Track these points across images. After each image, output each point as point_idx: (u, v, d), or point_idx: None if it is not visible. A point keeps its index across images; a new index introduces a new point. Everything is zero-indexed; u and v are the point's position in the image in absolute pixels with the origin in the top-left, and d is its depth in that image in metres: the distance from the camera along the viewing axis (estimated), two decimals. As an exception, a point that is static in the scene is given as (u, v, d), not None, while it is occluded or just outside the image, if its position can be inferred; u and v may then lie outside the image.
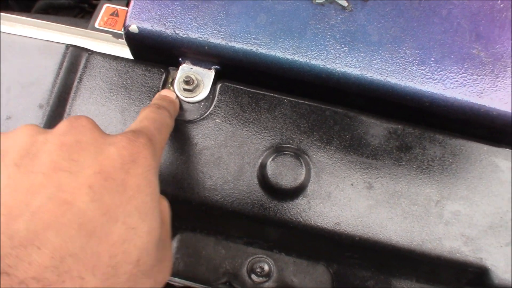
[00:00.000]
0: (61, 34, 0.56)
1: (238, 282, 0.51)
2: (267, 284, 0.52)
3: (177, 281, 0.52)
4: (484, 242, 0.47)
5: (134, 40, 0.48)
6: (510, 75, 0.46)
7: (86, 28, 0.60)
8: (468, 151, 0.48)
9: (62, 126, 0.32)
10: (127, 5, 0.62)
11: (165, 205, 0.37)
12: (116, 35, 0.58)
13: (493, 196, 0.48)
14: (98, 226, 0.27)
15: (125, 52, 0.56)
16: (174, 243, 0.52)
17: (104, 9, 0.60)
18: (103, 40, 0.57)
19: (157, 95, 0.46)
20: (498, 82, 0.46)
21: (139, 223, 0.29)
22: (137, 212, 0.29)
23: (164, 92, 0.47)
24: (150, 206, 0.31)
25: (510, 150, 0.48)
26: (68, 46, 0.49)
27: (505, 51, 0.47)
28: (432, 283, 0.51)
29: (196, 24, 0.47)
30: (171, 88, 0.49)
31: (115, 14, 0.60)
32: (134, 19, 0.47)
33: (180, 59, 0.49)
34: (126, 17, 0.48)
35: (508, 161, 0.48)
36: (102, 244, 0.27)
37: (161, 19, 0.47)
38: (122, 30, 0.48)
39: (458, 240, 0.47)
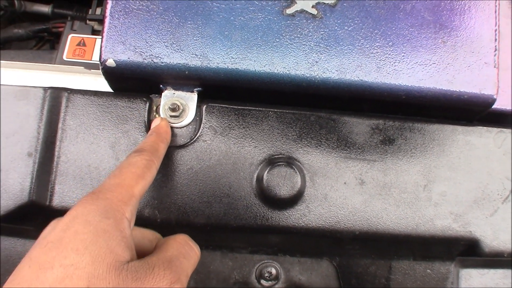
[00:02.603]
0: (32, 72, 0.55)
1: (249, 289, 0.54)
2: (276, 286, 0.54)
3: (190, 299, 0.53)
4: (471, 216, 0.51)
5: (112, 74, 0.48)
6: (475, 60, 0.49)
7: (52, 60, 0.59)
8: (446, 134, 0.51)
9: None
10: (93, 32, 0.61)
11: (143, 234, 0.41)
12: (88, 66, 0.57)
13: (473, 172, 0.51)
14: (32, 278, 0.31)
15: (100, 82, 0.56)
16: (181, 263, 0.53)
17: (70, 40, 0.59)
18: (75, 73, 0.57)
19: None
20: (465, 67, 0.49)
21: (77, 258, 0.32)
22: (74, 252, 0.32)
23: (154, 123, 0.48)
24: (91, 240, 0.33)
25: (482, 127, 0.52)
26: (46, 89, 0.48)
27: (468, 37, 0.50)
28: (428, 259, 0.55)
29: (173, 50, 0.47)
30: (157, 115, 0.49)
31: (81, 43, 0.59)
32: (110, 53, 0.47)
33: (161, 86, 0.49)
34: (101, 51, 0.47)
35: (482, 138, 0.52)
36: None
37: (137, 50, 0.47)
38: (98, 64, 0.48)
39: (448, 218, 0.50)
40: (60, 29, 0.66)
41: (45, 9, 0.70)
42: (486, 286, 0.55)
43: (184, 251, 0.39)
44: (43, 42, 0.70)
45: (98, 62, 0.49)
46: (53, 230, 0.35)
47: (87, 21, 0.61)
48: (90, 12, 0.61)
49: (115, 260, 0.33)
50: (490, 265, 0.55)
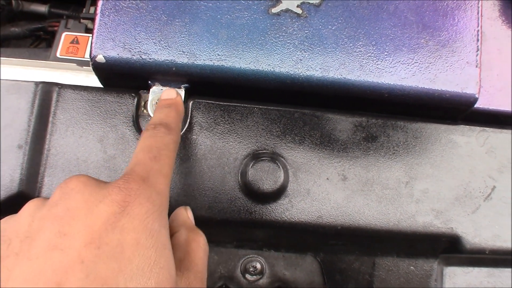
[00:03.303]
0: (27, 69, 0.56)
1: (234, 283, 0.54)
2: (261, 281, 0.55)
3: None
4: (453, 213, 0.51)
5: (102, 70, 0.50)
6: (457, 59, 0.50)
7: (47, 57, 0.60)
8: (428, 132, 0.52)
9: (55, 194, 0.33)
10: (86, 31, 0.63)
11: (198, 242, 0.38)
12: (80, 63, 0.58)
13: (455, 170, 0.52)
14: None
15: (92, 79, 0.57)
16: (168, 256, 0.54)
17: (64, 38, 0.61)
18: (68, 70, 0.58)
19: (157, 105, 0.46)
20: (447, 66, 0.50)
21: (143, 282, 0.29)
22: (140, 271, 0.29)
23: (163, 94, 0.47)
24: (155, 258, 0.30)
25: (465, 126, 0.53)
26: (37, 83, 0.50)
27: (450, 37, 0.51)
28: (411, 256, 0.55)
29: (161, 47, 0.49)
30: (145, 111, 0.51)
31: (75, 41, 0.60)
32: (100, 49, 0.48)
33: (149, 82, 0.50)
34: (91, 48, 0.49)
35: (464, 137, 0.53)
36: None
37: (126, 46, 0.48)
38: (89, 61, 0.49)
39: (429, 215, 0.51)
40: (56, 28, 0.67)
41: (42, 8, 0.72)
42: (470, 284, 0.56)
43: (206, 253, 0.38)
44: (39, 41, 0.72)
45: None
46: (100, 218, 0.30)
47: (81, 19, 0.63)
48: (84, 11, 0.63)
49: (172, 285, 0.30)
50: (474, 263, 0.56)
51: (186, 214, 0.41)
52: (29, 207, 0.33)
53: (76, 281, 0.27)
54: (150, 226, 0.30)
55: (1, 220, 0.34)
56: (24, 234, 0.31)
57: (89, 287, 0.27)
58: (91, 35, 0.62)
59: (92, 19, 0.63)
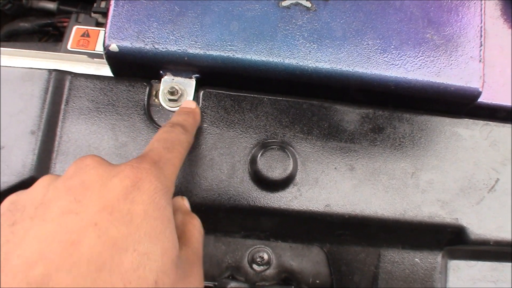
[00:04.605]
0: (38, 60, 0.57)
1: (241, 273, 0.55)
2: (268, 271, 0.55)
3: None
4: (457, 204, 0.52)
5: (115, 59, 0.50)
6: (461, 54, 0.52)
7: (58, 50, 0.61)
8: (433, 125, 0.53)
9: (69, 170, 0.34)
10: (97, 25, 0.64)
11: (194, 224, 0.39)
12: (91, 55, 0.59)
13: (460, 162, 0.53)
14: (107, 258, 0.29)
15: (103, 71, 0.58)
16: (176, 246, 0.55)
17: (75, 31, 0.62)
18: (79, 61, 0.59)
19: (177, 111, 0.48)
20: (452, 61, 0.52)
21: (150, 247, 0.30)
22: (148, 237, 0.31)
23: (184, 103, 0.49)
24: (161, 228, 0.32)
25: (469, 119, 0.54)
26: (51, 71, 0.51)
27: (455, 32, 0.52)
28: (416, 248, 0.56)
29: (174, 38, 0.50)
30: (157, 100, 0.51)
31: (85, 34, 0.61)
32: (113, 39, 0.49)
33: (161, 71, 0.51)
34: (105, 37, 0.50)
35: (468, 130, 0.54)
36: (114, 274, 0.28)
37: (140, 36, 0.50)
38: (102, 50, 0.50)
39: (435, 205, 0.52)
40: (65, 24, 0.68)
41: (51, 5, 0.73)
42: (474, 278, 0.56)
43: (201, 234, 0.40)
44: (48, 37, 0.73)
45: (101, 52, 0.51)
46: (113, 190, 0.32)
47: (92, 14, 0.64)
48: (95, 5, 0.64)
49: (175, 255, 0.32)
50: (478, 257, 0.56)
51: (182, 202, 0.43)
52: (43, 180, 0.35)
53: (89, 240, 0.29)
54: (157, 201, 0.33)
55: (13, 194, 0.35)
56: (39, 202, 0.32)
57: (101, 247, 0.29)
58: (102, 29, 0.64)
59: (103, 13, 0.64)
